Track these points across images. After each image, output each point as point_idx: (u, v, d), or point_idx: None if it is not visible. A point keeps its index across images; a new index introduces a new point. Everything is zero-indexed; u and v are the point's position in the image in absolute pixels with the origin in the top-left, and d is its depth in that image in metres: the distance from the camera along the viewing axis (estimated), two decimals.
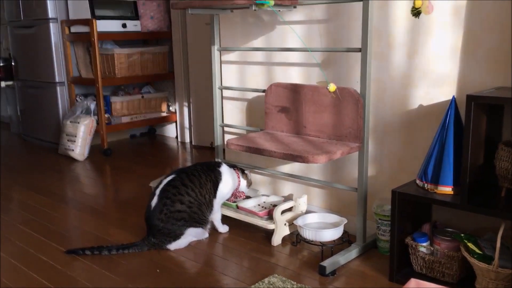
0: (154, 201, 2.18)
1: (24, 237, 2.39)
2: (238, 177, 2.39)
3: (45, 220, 2.61)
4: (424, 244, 1.84)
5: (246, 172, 2.44)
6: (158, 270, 2.02)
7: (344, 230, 2.13)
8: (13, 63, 4.66)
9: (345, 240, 2.14)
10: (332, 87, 1.89)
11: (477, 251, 1.69)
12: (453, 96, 1.77)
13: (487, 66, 1.81)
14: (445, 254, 1.78)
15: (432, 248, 1.83)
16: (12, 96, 4.92)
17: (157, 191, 2.20)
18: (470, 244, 1.71)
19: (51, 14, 4.05)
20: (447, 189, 1.75)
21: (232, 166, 2.42)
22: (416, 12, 1.80)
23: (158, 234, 2.16)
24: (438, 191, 1.77)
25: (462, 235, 1.76)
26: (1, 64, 4.82)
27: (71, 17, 4.07)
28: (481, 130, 1.67)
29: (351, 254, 2.06)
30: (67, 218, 2.64)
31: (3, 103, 5.49)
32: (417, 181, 1.86)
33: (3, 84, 4.83)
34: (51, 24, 4.06)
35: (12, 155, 4.14)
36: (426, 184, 1.81)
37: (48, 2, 4.02)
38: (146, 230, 2.21)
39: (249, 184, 2.45)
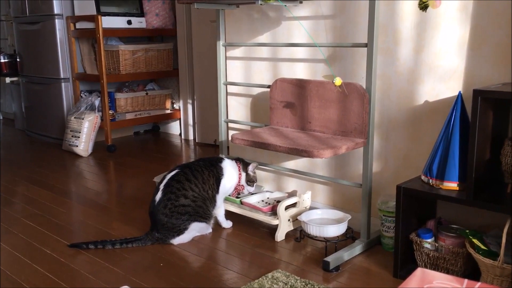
0: (158, 195, 2.17)
1: (28, 230, 2.39)
2: (239, 170, 2.38)
3: (49, 214, 2.61)
4: (429, 240, 1.83)
5: (252, 166, 2.39)
6: (161, 264, 2.01)
7: (348, 227, 2.13)
8: (18, 59, 4.67)
9: (349, 236, 2.14)
10: (338, 81, 1.88)
11: (482, 247, 1.68)
12: (460, 92, 1.76)
13: (494, 62, 1.80)
14: (450, 250, 1.77)
15: (436, 244, 1.82)
16: (17, 92, 4.93)
17: (161, 186, 2.19)
18: (475, 240, 1.70)
19: (56, 10, 4.06)
20: (453, 185, 1.74)
21: (235, 159, 2.41)
22: (423, 6, 1.79)
23: (162, 228, 2.16)
24: (444, 187, 1.76)
25: (467, 231, 1.75)
26: (6, 60, 4.83)
27: (77, 13, 4.07)
28: (487, 125, 1.66)
29: (355, 250, 2.05)
30: (71, 213, 2.64)
31: (8, 99, 5.50)
32: (422, 177, 1.85)
33: (8, 80, 4.84)
34: (56, 20, 4.06)
35: (17, 151, 4.15)
36: (431, 180, 1.80)
37: None
38: (150, 224, 2.21)
39: (254, 180, 2.43)
